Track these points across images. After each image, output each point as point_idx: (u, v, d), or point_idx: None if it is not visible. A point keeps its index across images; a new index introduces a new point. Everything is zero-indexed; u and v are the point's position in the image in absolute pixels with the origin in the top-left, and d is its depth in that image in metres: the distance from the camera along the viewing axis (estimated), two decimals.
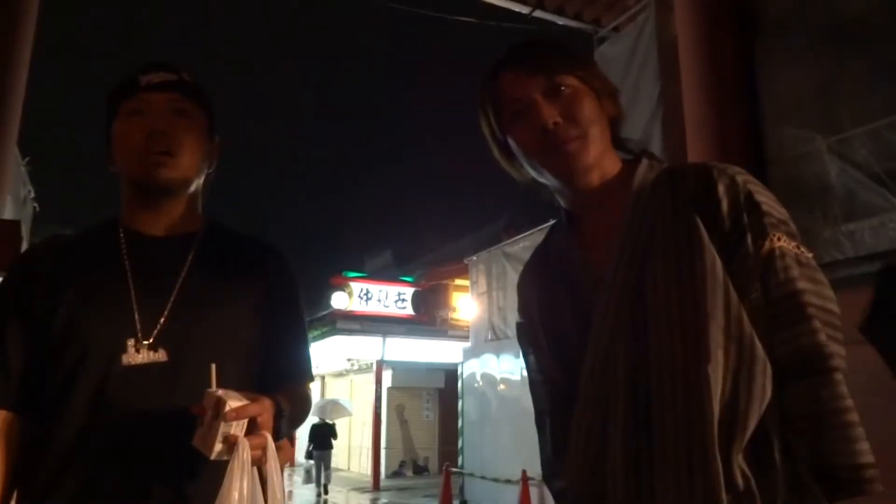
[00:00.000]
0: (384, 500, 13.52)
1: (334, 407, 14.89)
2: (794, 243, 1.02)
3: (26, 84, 4.83)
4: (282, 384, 1.32)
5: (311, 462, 14.24)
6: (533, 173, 1.19)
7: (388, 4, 7.50)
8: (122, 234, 1.35)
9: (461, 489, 10.76)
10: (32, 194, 6.49)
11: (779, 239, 1.00)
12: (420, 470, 17.62)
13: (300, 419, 1.38)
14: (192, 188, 1.38)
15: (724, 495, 0.91)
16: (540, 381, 1.25)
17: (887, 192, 3.87)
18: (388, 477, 16.28)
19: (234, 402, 1.07)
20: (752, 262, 1.00)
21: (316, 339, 16.04)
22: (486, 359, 10.55)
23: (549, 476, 1.23)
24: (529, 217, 10.29)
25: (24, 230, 5.05)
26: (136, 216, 1.36)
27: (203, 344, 1.26)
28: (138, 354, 1.22)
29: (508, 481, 9.23)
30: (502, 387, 10.05)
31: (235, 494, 1.03)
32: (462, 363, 11.49)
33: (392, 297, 16.81)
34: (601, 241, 1.12)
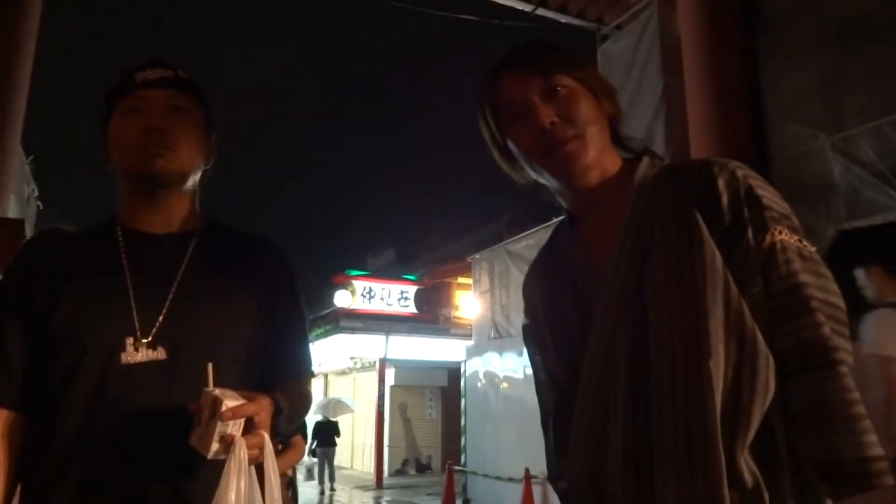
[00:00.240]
0: (387, 498, 13.54)
1: (337, 405, 14.97)
2: (796, 237, 1.01)
3: (30, 82, 4.84)
4: (282, 381, 1.32)
5: (314, 460, 14.29)
6: (533, 175, 1.19)
7: (391, 3, 7.49)
8: (119, 233, 1.35)
9: (464, 487, 10.75)
10: (36, 193, 6.50)
11: (780, 232, 1.00)
12: (423, 468, 17.63)
13: (300, 416, 1.38)
14: (190, 184, 1.37)
15: (725, 492, 0.90)
16: (546, 381, 1.25)
17: (891, 190, 3.86)
18: (391, 475, 16.30)
19: (230, 401, 1.07)
20: (752, 256, 0.99)
21: (319, 337, 16.06)
22: (489, 357, 10.55)
23: (554, 476, 1.23)
24: (532, 215, 10.28)
25: (28, 229, 5.06)
26: (134, 214, 1.36)
27: (202, 342, 1.25)
28: (137, 353, 1.22)
29: (511, 479, 9.23)
30: (505, 385, 10.05)
31: (232, 494, 1.02)
32: (465, 361, 11.48)
33: (395, 296, 16.81)
34: (603, 240, 1.12)
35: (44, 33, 5.00)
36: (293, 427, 1.41)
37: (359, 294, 16.24)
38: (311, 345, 1.50)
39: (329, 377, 20.98)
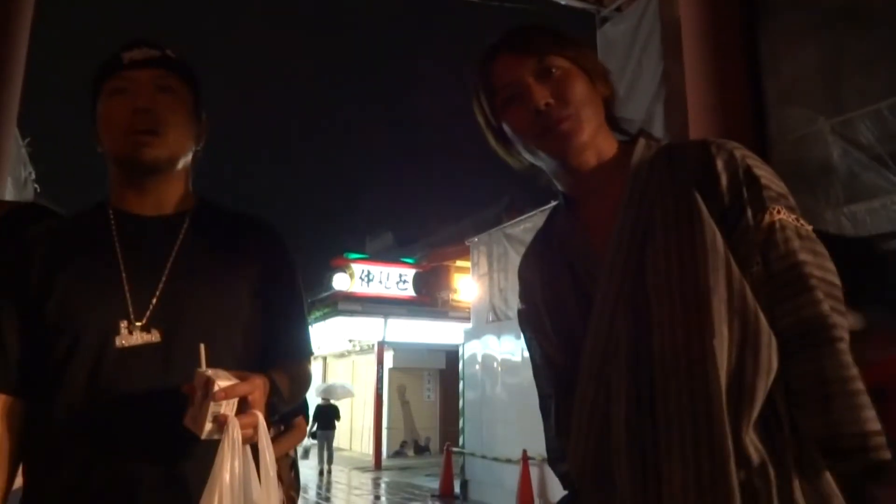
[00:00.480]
0: (386, 479, 13.65)
1: (339, 389, 15.21)
2: (793, 216, 1.01)
3: (26, 63, 4.81)
4: (280, 361, 1.33)
5: (314, 441, 14.45)
6: (529, 157, 1.19)
7: None
8: (111, 216, 1.34)
9: (462, 468, 10.84)
10: (33, 175, 6.47)
11: (778, 212, 1.00)
12: (421, 450, 17.76)
13: (298, 396, 1.38)
14: (180, 166, 1.35)
15: (733, 469, 0.91)
16: (544, 365, 1.25)
17: (889, 174, 3.86)
18: (389, 457, 16.42)
19: (222, 381, 1.07)
20: (752, 235, 0.99)
21: (317, 320, 16.10)
22: (487, 340, 10.58)
23: (553, 460, 1.23)
24: (531, 199, 10.27)
25: None
26: (125, 196, 1.35)
27: (195, 324, 1.25)
28: (131, 336, 1.22)
29: (509, 461, 9.30)
30: (503, 367, 10.09)
31: (226, 474, 1.03)
32: (463, 344, 11.53)
33: (393, 279, 16.84)
34: (601, 222, 1.12)
35: (40, 13, 4.96)
36: (291, 407, 1.41)
37: (357, 277, 16.27)
38: (309, 325, 1.49)
39: (328, 360, 21.06)
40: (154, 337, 1.23)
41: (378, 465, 15.25)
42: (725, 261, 0.98)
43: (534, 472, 8.72)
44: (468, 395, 11.03)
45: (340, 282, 15.99)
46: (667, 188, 1.06)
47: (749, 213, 1.00)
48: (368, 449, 16.60)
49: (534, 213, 9.46)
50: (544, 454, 1.28)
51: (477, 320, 11.04)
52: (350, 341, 18.25)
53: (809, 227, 1.03)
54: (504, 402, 9.90)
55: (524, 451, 8.78)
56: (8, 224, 1.50)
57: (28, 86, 4.83)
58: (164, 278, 1.27)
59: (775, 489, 0.92)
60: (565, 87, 1.11)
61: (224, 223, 1.41)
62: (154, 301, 1.25)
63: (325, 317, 16.05)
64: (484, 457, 10.18)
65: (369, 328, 16.31)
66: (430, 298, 16.76)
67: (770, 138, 4.62)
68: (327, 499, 11.73)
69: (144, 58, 1.31)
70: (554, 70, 1.12)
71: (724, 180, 1.02)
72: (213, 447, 1.07)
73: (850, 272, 1.05)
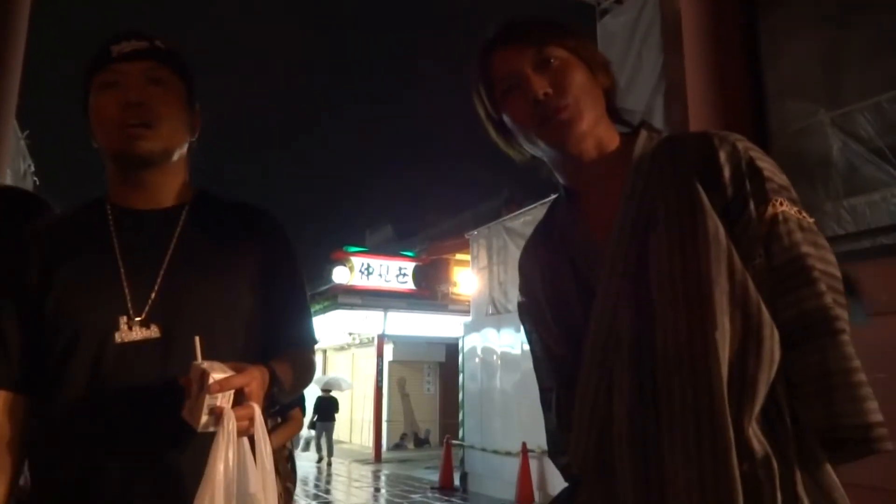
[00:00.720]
0: (386, 472, 13.69)
1: (338, 382, 15.35)
2: (795, 208, 1.01)
3: (24, 55, 4.79)
4: (283, 351, 1.32)
5: (313, 432, 14.54)
6: (529, 148, 1.19)
7: None
8: (109, 210, 1.33)
9: (462, 461, 10.87)
10: (32, 168, 6.46)
11: (781, 204, 1.00)
12: (421, 442, 17.81)
13: (301, 385, 1.37)
14: (176, 157, 1.34)
15: (735, 463, 0.91)
16: (544, 358, 1.24)
17: (889, 167, 3.86)
18: (389, 449, 16.46)
19: (218, 373, 1.07)
20: (754, 227, 0.99)
21: (317, 313, 16.11)
22: (487, 333, 10.60)
23: (554, 452, 1.23)
24: (530, 192, 10.27)
25: None
26: (122, 191, 1.34)
27: (195, 318, 1.25)
28: (131, 331, 1.22)
29: (508, 453, 9.33)
30: (503, 361, 10.11)
31: (221, 466, 1.03)
32: (463, 337, 11.54)
33: (393, 272, 16.84)
34: (602, 214, 1.12)
35: (38, 5, 4.94)
36: (295, 396, 1.41)
37: (357, 270, 16.27)
38: (312, 315, 1.49)
39: (328, 353, 21.09)
40: (153, 332, 1.23)
41: (378, 457, 15.30)
42: (728, 253, 0.98)
43: (533, 465, 8.74)
44: (468, 387, 11.05)
45: (340, 275, 16.00)
46: (669, 180, 1.06)
47: (752, 205, 1.00)
48: (368, 441, 16.64)
49: (533, 206, 9.45)
50: (544, 447, 1.28)
51: (476, 313, 11.06)
52: (350, 334, 18.26)
53: (811, 220, 1.02)
54: (504, 394, 9.92)
55: (524, 444, 8.80)
56: (4, 210, 1.48)
57: (27, 78, 4.82)
58: (162, 273, 1.27)
59: (778, 481, 0.91)
60: (564, 77, 1.11)
61: (223, 214, 1.40)
62: (153, 296, 1.25)
63: (324, 310, 16.05)
64: (483, 449, 10.20)
65: (369, 321, 16.33)
66: (429, 292, 16.77)
67: (770, 131, 4.61)
68: (327, 491, 11.76)
69: (133, 49, 1.29)
70: (553, 60, 1.12)
71: (726, 172, 1.02)
72: (212, 440, 1.07)
73: None
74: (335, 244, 17.09)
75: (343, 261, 16.22)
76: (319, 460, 14.16)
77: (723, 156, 1.03)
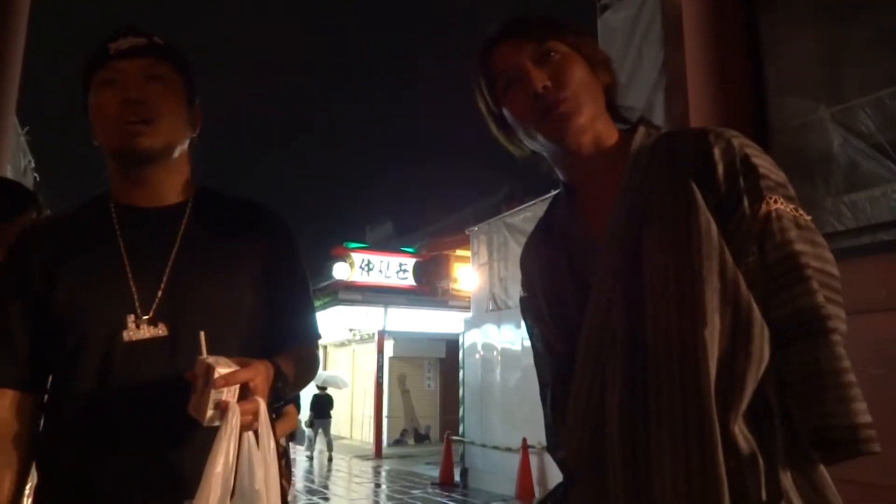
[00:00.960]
0: (386, 468, 13.71)
1: (335, 380, 15.47)
2: (791, 206, 1.00)
3: (24, 51, 4.78)
4: (287, 346, 1.33)
5: (310, 429, 14.69)
6: (529, 143, 1.19)
7: None
8: (112, 208, 1.33)
9: (462, 457, 10.89)
10: (32, 164, 6.45)
11: (775, 201, 0.99)
12: (421, 438, 17.84)
13: (306, 380, 1.38)
14: (176, 154, 1.34)
15: (721, 458, 0.91)
16: (543, 354, 1.25)
17: (890, 163, 3.85)
18: (389, 445, 16.49)
19: (223, 368, 1.08)
20: (748, 224, 0.99)
21: (318, 309, 16.04)
22: (487, 329, 10.61)
23: (552, 447, 1.24)
24: (531, 188, 10.27)
25: None
26: (124, 188, 1.34)
27: (201, 314, 1.25)
28: (139, 330, 1.22)
29: (509, 449, 9.34)
30: (503, 357, 10.12)
31: (221, 459, 1.03)
32: (463, 333, 11.55)
33: (393, 268, 16.85)
34: (600, 210, 1.12)
35: (39, 1, 4.93)
36: (298, 391, 1.41)
37: (357, 266, 16.28)
38: (315, 309, 1.49)
39: (328, 349, 21.11)
40: (161, 331, 1.23)
41: (378, 453, 15.32)
42: (719, 250, 0.98)
43: (533, 461, 8.76)
44: (468, 383, 11.06)
45: (340, 271, 16.01)
46: (665, 176, 1.06)
47: (746, 202, 1.00)
48: (369, 437, 16.67)
49: (534, 202, 9.45)
50: (544, 443, 1.29)
51: (477, 309, 11.06)
52: (350, 330, 18.28)
53: (809, 218, 1.02)
54: (504, 390, 9.93)
55: (524, 440, 8.82)
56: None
57: (27, 74, 4.81)
58: (168, 270, 1.27)
59: (764, 478, 0.91)
60: (564, 71, 1.11)
61: (226, 210, 1.40)
62: (159, 294, 1.25)
63: (325, 306, 16.07)
64: (484, 445, 10.22)
65: (369, 317, 16.34)
66: (430, 288, 16.78)
67: (770, 127, 4.61)
68: (328, 486, 11.79)
69: (131, 46, 1.28)
70: (553, 54, 1.12)
71: (720, 169, 1.02)
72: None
73: None
74: (335, 240, 17.11)
75: (343, 257, 16.22)
76: (310, 457, 14.35)
77: (717, 152, 1.03)
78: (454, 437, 11.15)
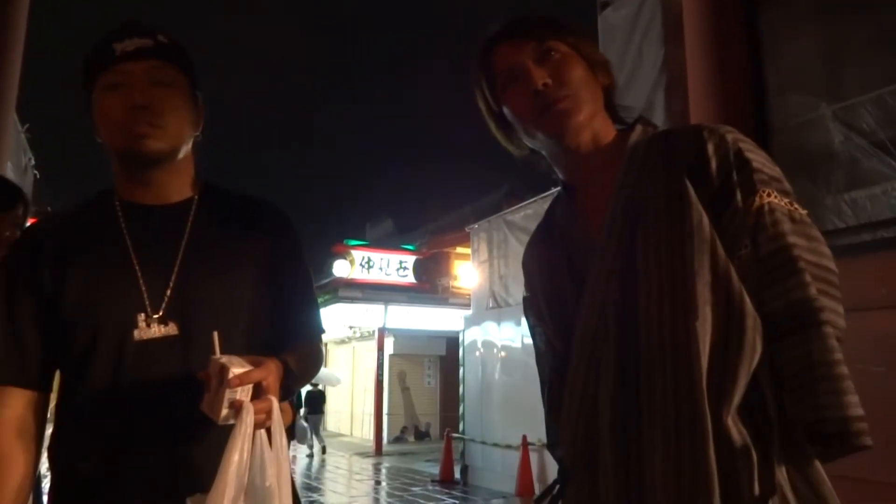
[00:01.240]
0: (386, 465, 13.73)
1: (328, 377, 15.68)
2: (786, 200, 1.01)
3: (24, 48, 4.78)
4: (292, 342, 1.34)
5: (306, 425, 14.77)
6: (529, 141, 1.20)
7: None
8: (118, 206, 1.33)
9: (462, 454, 10.90)
10: (33, 161, 6.45)
11: (769, 195, 0.99)
12: (421, 435, 17.87)
13: (311, 376, 1.39)
14: (182, 154, 1.34)
15: (712, 450, 0.91)
16: (544, 352, 1.26)
17: (891, 160, 3.85)
18: (390, 442, 16.52)
19: (237, 368, 1.09)
20: (741, 218, 0.99)
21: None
22: (487, 326, 10.61)
23: (551, 444, 1.24)
24: (531, 185, 10.26)
25: None
26: (130, 188, 1.34)
27: (210, 313, 1.26)
28: (149, 329, 1.23)
29: (509, 446, 9.35)
30: (503, 354, 10.13)
31: (236, 456, 1.05)
32: (463, 331, 11.56)
33: (394, 266, 16.85)
34: (598, 209, 1.12)
35: None
36: (303, 386, 1.42)
37: (357, 264, 16.28)
38: (319, 305, 1.50)
39: (328, 346, 21.12)
40: (172, 330, 1.24)
41: (378, 450, 15.34)
42: (710, 244, 0.98)
43: (533, 458, 8.77)
44: (468, 381, 11.07)
45: (341, 268, 16.02)
46: (660, 173, 1.06)
47: (739, 196, 1.00)
48: (369, 435, 16.69)
49: (534, 199, 9.45)
50: (544, 440, 1.29)
51: (477, 307, 11.07)
52: (350, 328, 18.30)
53: (804, 212, 1.02)
54: (504, 388, 9.93)
55: (524, 437, 8.83)
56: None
57: (27, 71, 4.81)
58: (176, 269, 1.28)
59: (756, 471, 0.91)
60: (564, 69, 1.12)
61: (230, 208, 1.41)
62: (168, 292, 1.26)
63: (325, 303, 16.07)
64: (484, 442, 10.24)
65: (370, 315, 16.35)
66: (430, 285, 16.78)
67: (771, 125, 4.60)
68: (327, 483, 11.79)
69: (137, 48, 1.27)
70: (553, 53, 1.13)
71: (714, 164, 1.02)
72: (230, 432, 1.08)
73: None
74: (336, 238, 17.12)
75: (344, 254, 16.22)
76: (310, 455, 14.40)
77: (711, 147, 1.03)
78: (454, 435, 11.17)
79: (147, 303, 1.25)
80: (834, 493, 0.96)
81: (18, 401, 1.24)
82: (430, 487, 10.67)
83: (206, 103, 1.41)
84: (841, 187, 4.09)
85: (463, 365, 11.39)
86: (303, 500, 10.00)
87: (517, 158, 1.28)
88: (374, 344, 16.51)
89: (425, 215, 22.86)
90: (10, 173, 5.01)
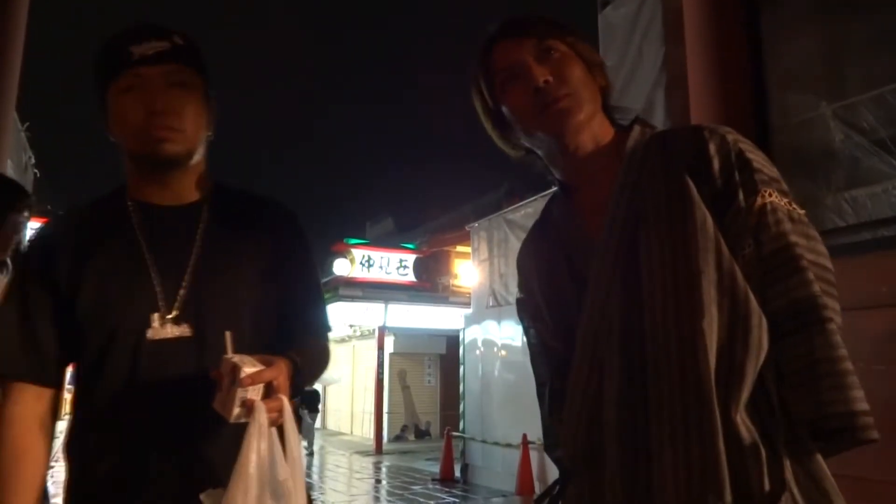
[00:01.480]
0: (387, 464, 13.74)
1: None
2: (785, 200, 1.02)
3: (24, 47, 4.78)
4: (300, 340, 1.35)
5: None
6: (527, 141, 1.20)
7: None
8: (130, 206, 1.34)
9: (462, 453, 10.91)
10: (33, 160, 6.45)
11: (770, 195, 1.01)
12: (422, 434, 17.87)
13: (318, 373, 1.40)
14: (198, 155, 1.35)
15: (722, 448, 0.91)
16: (540, 353, 1.26)
17: (891, 158, 3.85)
18: (390, 441, 16.52)
19: (249, 367, 1.11)
20: (744, 217, 1.00)
21: None
22: (487, 325, 10.61)
23: (549, 445, 1.24)
24: (531, 184, 10.26)
25: None
26: (143, 187, 1.35)
27: (222, 312, 1.27)
28: (163, 329, 1.25)
29: (509, 445, 9.36)
30: (503, 353, 10.13)
31: (253, 456, 1.07)
32: (463, 329, 11.57)
33: (394, 264, 16.84)
34: (597, 209, 1.13)
35: None
36: (311, 384, 1.44)
37: (358, 262, 16.28)
38: (326, 303, 1.52)
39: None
40: (186, 330, 1.25)
41: (379, 449, 15.35)
42: (715, 243, 0.99)
43: (534, 457, 8.77)
44: (468, 379, 11.08)
45: (341, 267, 16.02)
46: (660, 173, 1.07)
47: (741, 195, 1.01)
48: (369, 433, 16.70)
49: (534, 198, 9.45)
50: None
51: (477, 305, 11.07)
52: (351, 326, 18.30)
53: (802, 212, 1.03)
54: (504, 386, 9.94)
55: (524, 436, 8.83)
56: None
57: (27, 70, 4.81)
58: (189, 269, 1.29)
59: (766, 469, 0.92)
60: (564, 67, 1.13)
61: (241, 207, 1.42)
62: (182, 292, 1.27)
63: (325, 302, 16.07)
64: (484, 441, 10.24)
65: (370, 313, 16.35)
66: (430, 284, 16.78)
67: (771, 124, 4.60)
68: (328, 482, 11.80)
69: (154, 52, 1.26)
70: (553, 51, 1.14)
71: (716, 164, 1.03)
72: (242, 430, 1.10)
73: None
74: (336, 236, 17.11)
75: (344, 253, 16.22)
76: (311, 453, 14.44)
77: (712, 148, 1.04)
78: (454, 433, 11.17)
79: (161, 303, 1.26)
80: (836, 487, 0.97)
81: (34, 397, 1.26)
82: (431, 486, 10.67)
83: (218, 104, 1.42)
84: (841, 186, 4.09)
85: (463, 363, 11.40)
86: None
87: (512, 158, 1.28)
88: (374, 342, 16.51)
89: (425, 214, 22.87)
90: (10, 172, 5.01)
